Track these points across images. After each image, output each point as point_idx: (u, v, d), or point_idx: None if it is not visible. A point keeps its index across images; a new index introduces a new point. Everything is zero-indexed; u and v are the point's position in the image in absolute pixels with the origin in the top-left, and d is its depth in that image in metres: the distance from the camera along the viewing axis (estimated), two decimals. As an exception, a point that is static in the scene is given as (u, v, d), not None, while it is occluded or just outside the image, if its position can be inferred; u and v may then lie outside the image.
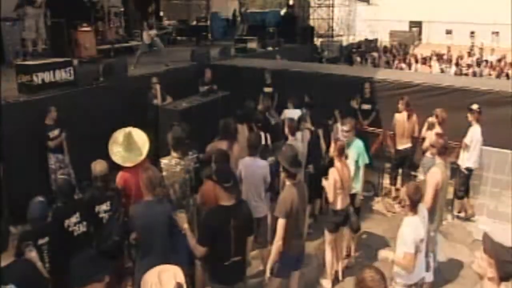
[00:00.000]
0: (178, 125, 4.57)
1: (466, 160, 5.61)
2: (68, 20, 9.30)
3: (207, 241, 3.06)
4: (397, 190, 6.48)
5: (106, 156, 3.95)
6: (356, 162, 4.67)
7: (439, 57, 14.75)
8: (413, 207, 3.21)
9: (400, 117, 6.15)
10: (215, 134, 5.17)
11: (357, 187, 4.75)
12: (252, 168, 4.17)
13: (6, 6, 9.18)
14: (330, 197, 4.19)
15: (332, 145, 4.29)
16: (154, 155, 4.49)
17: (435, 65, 12.59)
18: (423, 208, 3.41)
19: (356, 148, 4.68)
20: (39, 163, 5.85)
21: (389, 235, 5.44)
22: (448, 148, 4.07)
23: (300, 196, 3.40)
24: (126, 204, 3.76)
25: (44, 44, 7.98)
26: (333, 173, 4.16)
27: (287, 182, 3.40)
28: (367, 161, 4.75)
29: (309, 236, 4.76)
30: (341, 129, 4.73)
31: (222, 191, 3.03)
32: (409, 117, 6.12)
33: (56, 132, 5.84)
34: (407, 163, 6.48)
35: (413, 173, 6.73)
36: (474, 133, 5.57)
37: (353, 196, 4.63)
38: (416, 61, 13.36)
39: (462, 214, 5.87)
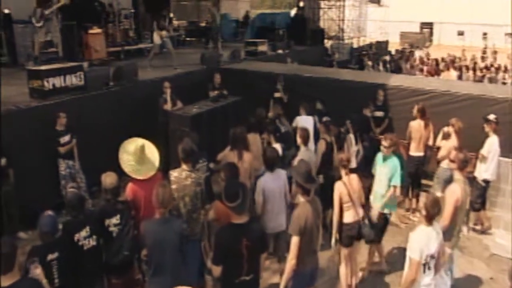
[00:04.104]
0: (188, 136, 4.48)
1: (483, 171, 5.47)
2: (78, 23, 9.33)
3: (220, 260, 3.02)
4: (410, 200, 6.33)
5: (117, 161, 3.89)
6: (389, 180, 4.47)
7: (453, 61, 14.40)
8: (429, 219, 3.16)
9: (416, 125, 6.00)
10: (225, 141, 5.10)
11: (380, 204, 4.54)
12: (272, 185, 4.07)
13: (19, 9, 9.26)
14: (336, 211, 4.10)
15: (339, 156, 4.19)
16: (165, 163, 4.42)
17: (452, 71, 12.16)
18: (438, 225, 3.30)
19: (391, 166, 4.45)
20: (49, 169, 5.83)
21: (405, 247, 5.32)
22: (468, 162, 3.94)
23: (314, 212, 3.31)
24: (136, 216, 3.71)
25: (56, 48, 7.96)
26: (339, 186, 4.08)
27: (301, 199, 3.31)
28: (398, 183, 4.42)
29: (321, 247, 4.66)
30: (382, 144, 4.52)
31: (231, 210, 2.96)
32: (426, 125, 5.97)
33: (66, 138, 5.82)
34: (419, 171, 6.33)
35: (425, 182, 6.62)
36: (492, 144, 5.42)
37: (382, 215, 4.52)
38: (422, 63, 13.10)
39: (478, 227, 5.72)
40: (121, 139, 6.47)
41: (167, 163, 5.29)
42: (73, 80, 6.49)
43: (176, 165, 5.13)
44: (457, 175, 3.88)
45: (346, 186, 4.02)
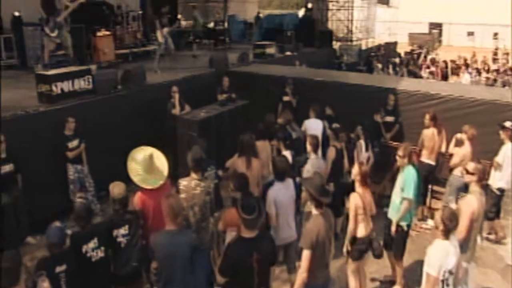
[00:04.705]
0: (197, 143, 4.43)
1: (498, 179, 5.34)
2: (87, 25, 9.34)
3: (227, 273, 2.99)
4: (421, 208, 6.22)
5: (125, 165, 3.85)
6: (402, 190, 4.33)
7: (467, 63, 14.10)
8: (446, 233, 3.07)
9: (429, 133, 5.87)
10: (234, 146, 5.04)
11: (392, 214, 4.45)
12: (283, 195, 4.00)
13: (29, 11, 9.29)
14: (351, 224, 4.01)
15: (356, 168, 4.09)
16: (173, 168, 4.36)
17: (466, 75, 11.88)
18: (455, 239, 3.21)
19: (404, 177, 4.32)
20: (58, 174, 5.82)
21: (415, 256, 5.22)
22: (487, 173, 3.83)
23: (326, 225, 3.24)
24: (144, 226, 3.66)
25: (65, 50, 7.96)
26: (354, 199, 3.98)
27: (314, 211, 3.24)
28: (410, 196, 4.23)
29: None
30: (396, 153, 4.40)
31: (245, 223, 2.90)
32: (439, 132, 5.85)
33: (75, 142, 5.80)
34: (430, 179, 6.22)
35: (436, 188, 6.50)
36: (507, 152, 5.29)
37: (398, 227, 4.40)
38: (431, 65, 12.87)
39: (492, 236, 5.59)
40: (129, 143, 6.41)
41: (175, 168, 5.26)
42: (82, 84, 6.48)
43: (184, 170, 5.12)
44: (474, 187, 3.78)
45: (361, 198, 3.93)
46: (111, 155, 6.28)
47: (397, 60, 14.34)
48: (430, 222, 6.06)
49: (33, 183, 5.42)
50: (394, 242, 4.37)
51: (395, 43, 19.28)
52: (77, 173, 5.87)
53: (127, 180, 3.77)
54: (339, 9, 16.19)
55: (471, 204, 3.61)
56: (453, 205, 4.68)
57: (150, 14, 12.78)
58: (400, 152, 4.32)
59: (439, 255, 3.03)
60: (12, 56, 9.35)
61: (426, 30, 30.67)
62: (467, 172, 3.87)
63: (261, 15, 16.30)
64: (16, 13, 9.76)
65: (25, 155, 5.35)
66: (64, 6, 6.85)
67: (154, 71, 8.87)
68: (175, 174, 4.48)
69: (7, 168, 5.10)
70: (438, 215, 3.09)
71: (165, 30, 9.41)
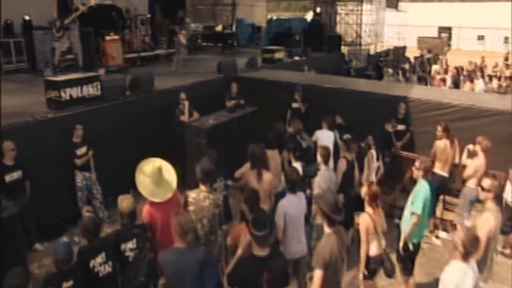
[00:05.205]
0: (206, 154, 4.36)
1: (513, 193, 5.20)
2: (96, 29, 9.34)
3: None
4: (433, 220, 6.09)
5: (132, 171, 3.82)
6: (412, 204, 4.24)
7: (482, 69, 13.81)
8: (466, 256, 2.98)
9: (442, 145, 5.76)
10: (242, 153, 4.95)
11: (403, 228, 4.34)
12: (294, 208, 3.93)
13: (39, 15, 9.34)
14: (364, 246, 3.93)
15: (365, 188, 3.99)
16: (181, 176, 4.30)
17: (480, 81, 11.63)
18: (474, 263, 3.10)
19: (416, 191, 4.23)
20: (66, 181, 5.80)
21: (426, 269, 5.13)
22: (503, 187, 3.72)
23: (339, 244, 3.15)
24: (152, 239, 3.61)
25: (75, 55, 7.96)
26: (364, 220, 3.90)
27: (326, 230, 3.15)
28: (418, 210, 4.12)
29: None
30: (411, 164, 4.34)
31: (256, 240, 2.82)
32: (451, 143, 5.74)
33: (83, 149, 5.78)
34: (441, 191, 6.09)
35: (448, 199, 6.38)
36: (522, 164, 5.16)
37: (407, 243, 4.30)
38: (441, 71, 12.66)
39: (508, 251, 5.45)
40: (137, 149, 6.48)
41: (183, 176, 5.20)
42: (90, 90, 6.47)
43: (191, 177, 5.05)
44: (490, 203, 3.67)
45: (371, 218, 3.84)
46: (119, 161, 6.28)
47: (406, 66, 14.16)
48: (441, 234, 5.95)
49: (41, 190, 5.40)
50: (403, 258, 4.26)
51: (404, 47, 19.09)
52: (85, 180, 5.85)
53: (134, 186, 3.73)
54: (347, 14, 16.07)
55: (488, 222, 3.50)
56: (467, 222, 4.57)
57: (158, 18, 12.80)
58: (416, 164, 4.23)
59: (455, 277, 2.94)
60: (22, 60, 9.41)
61: (435, 34, 30.37)
62: (483, 189, 3.75)
63: (274, 17, 16.25)
64: (26, 17, 9.82)
65: (33, 162, 5.33)
66: (74, 8, 6.84)
67: (175, 71, 9.38)
68: (182, 182, 4.42)
69: (16, 175, 5.09)
70: (458, 236, 2.98)
71: (184, 32, 9.55)
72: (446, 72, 13.55)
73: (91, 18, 8.88)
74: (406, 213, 4.34)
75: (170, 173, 3.75)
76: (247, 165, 4.66)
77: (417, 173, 4.24)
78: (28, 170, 5.21)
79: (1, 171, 4.97)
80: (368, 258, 3.95)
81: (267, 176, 4.50)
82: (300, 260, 4.10)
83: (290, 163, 4.83)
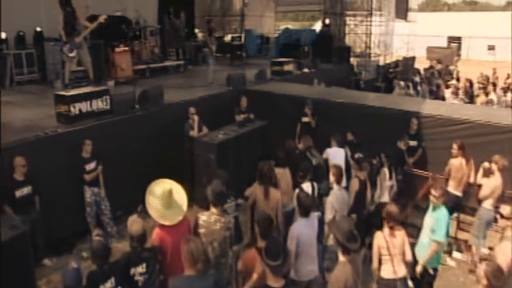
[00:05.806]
0: (217, 175, 4.29)
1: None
2: (105, 41, 9.39)
3: None
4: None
5: (141, 186, 3.77)
6: (432, 232, 4.14)
7: (495, 83, 13.56)
8: None
9: (457, 164, 5.63)
10: (252, 169, 4.90)
11: (419, 254, 4.22)
12: (306, 232, 3.86)
13: (50, 26, 9.40)
14: (374, 264, 3.82)
15: (386, 209, 3.88)
16: (190, 193, 4.24)
17: (494, 94, 11.41)
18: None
19: (436, 217, 4.12)
20: (75, 196, 5.77)
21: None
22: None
23: (354, 273, 3.05)
24: (162, 262, 3.54)
25: (85, 67, 7.99)
26: (378, 237, 3.80)
27: (341, 258, 3.06)
28: (441, 239, 4.08)
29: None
30: (431, 193, 4.21)
31: (270, 270, 2.74)
32: (467, 162, 5.61)
33: (92, 165, 5.75)
34: (455, 211, 5.95)
35: (462, 216, 6.22)
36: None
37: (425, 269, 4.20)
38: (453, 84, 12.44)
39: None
40: (146, 164, 6.44)
41: (192, 191, 5.14)
42: (99, 104, 6.46)
43: (200, 193, 4.97)
44: (509, 232, 3.53)
45: (385, 238, 3.73)
46: (128, 175, 6.25)
47: (417, 78, 14.00)
48: (456, 255, 5.80)
49: (50, 205, 5.38)
50: (421, 284, 4.13)
51: (413, 58, 18.94)
52: (94, 195, 5.81)
53: (143, 201, 3.67)
54: (356, 25, 16.02)
55: (507, 253, 3.37)
56: (483, 247, 4.42)
57: (167, 30, 12.84)
58: (436, 192, 4.10)
59: None
60: (34, 71, 9.49)
61: (445, 44, 30.21)
62: (502, 216, 3.63)
63: (289, 26, 16.25)
64: (38, 29, 9.93)
65: (43, 177, 5.31)
66: (83, 27, 6.85)
67: (210, 82, 9.62)
68: (191, 197, 4.36)
69: (26, 190, 5.09)
70: (481, 268, 2.86)
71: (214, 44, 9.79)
72: (457, 84, 13.37)
73: (101, 30, 8.94)
74: (423, 238, 4.22)
75: (180, 195, 3.69)
76: (257, 182, 4.61)
77: (436, 201, 4.12)
78: (38, 185, 5.20)
79: (11, 187, 4.97)
80: (378, 278, 3.83)
81: (274, 193, 4.44)
82: (313, 281, 4.01)
83: (300, 183, 4.74)
